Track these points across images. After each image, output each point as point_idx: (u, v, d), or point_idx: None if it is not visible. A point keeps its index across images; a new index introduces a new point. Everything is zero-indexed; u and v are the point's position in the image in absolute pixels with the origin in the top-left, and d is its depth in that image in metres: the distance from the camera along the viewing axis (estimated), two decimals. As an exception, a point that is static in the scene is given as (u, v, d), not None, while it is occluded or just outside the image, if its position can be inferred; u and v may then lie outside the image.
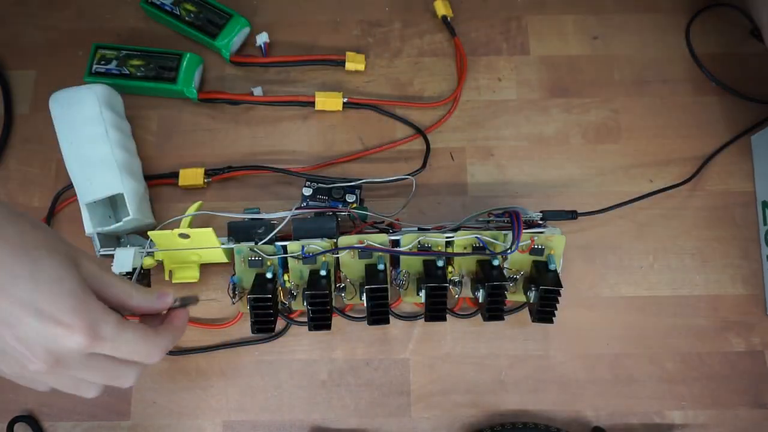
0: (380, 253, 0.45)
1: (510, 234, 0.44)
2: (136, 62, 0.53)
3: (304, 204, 0.49)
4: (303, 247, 0.44)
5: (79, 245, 0.49)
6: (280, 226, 0.45)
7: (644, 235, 0.51)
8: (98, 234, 0.47)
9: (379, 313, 0.44)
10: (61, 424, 0.47)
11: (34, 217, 0.34)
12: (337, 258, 0.46)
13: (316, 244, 0.44)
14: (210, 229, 0.44)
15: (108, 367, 0.34)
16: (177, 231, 0.44)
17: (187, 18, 0.55)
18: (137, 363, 0.35)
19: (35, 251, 0.31)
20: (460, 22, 0.57)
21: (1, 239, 0.30)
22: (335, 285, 0.46)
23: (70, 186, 0.50)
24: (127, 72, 0.53)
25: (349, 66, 0.55)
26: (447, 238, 0.45)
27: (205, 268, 0.50)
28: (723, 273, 0.50)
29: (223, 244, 0.46)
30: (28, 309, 0.30)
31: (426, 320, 0.44)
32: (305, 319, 0.48)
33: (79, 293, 0.32)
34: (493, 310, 0.44)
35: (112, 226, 0.47)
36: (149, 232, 0.45)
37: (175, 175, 0.52)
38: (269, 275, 0.44)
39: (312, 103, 0.54)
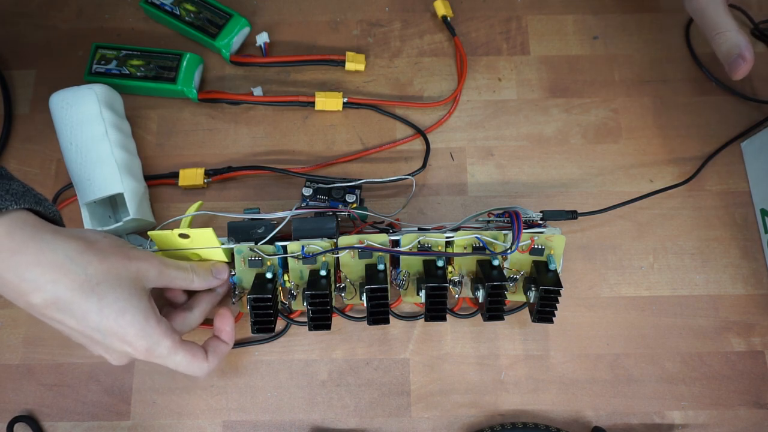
0: (380, 253, 0.45)
1: (510, 234, 0.44)
2: (136, 62, 0.53)
3: (304, 204, 0.49)
4: (303, 247, 0.44)
5: None
6: (280, 226, 0.45)
7: (644, 235, 0.51)
8: (98, 234, 0.47)
9: (379, 313, 0.44)
10: (61, 424, 0.47)
11: (101, 239, 0.38)
12: (337, 258, 0.46)
13: (316, 244, 0.44)
14: (210, 229, 0.44)
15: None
16: (177, 231, 0.44)
17: (187, 18, 0.55)
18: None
19: (99, 287, 0.36)
20: (460, 22, 0.57)
21: (68, 278, 0.35)
22: (335, 285, 0.46)
23: (70, 186, 0.50)
24: (127, 72, 0.53)
25: (349, 66, 0.55)
26: (447, 238, 0.45)
27: (205, 268, 0.50)
28: (723, 273, 0.50)
29: (223, 244, 0.46)
30: (101, 333, 0.37)
31: (426, 320, 0.44)
32: (305, 319, 0.48)
33: (141, 322, 0.38)
34: (493, 310, 0.44)
35: (112, 226, 0.47)
36: (149, 232, 0.44)
37: (175, 175, 0.52)
38: (269, 275, 0.44)
39: (312, 103, 0.54)
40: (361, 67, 0.55)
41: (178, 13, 0.55)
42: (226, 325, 0.45)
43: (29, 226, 0.36)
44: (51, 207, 0.39)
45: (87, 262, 0.36)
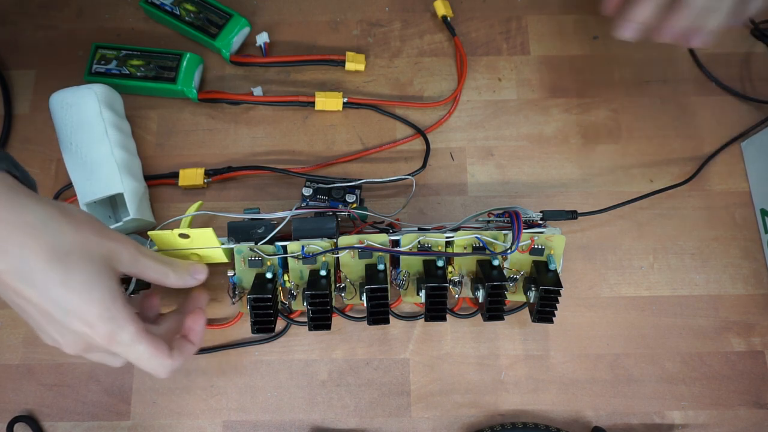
0: (380, 253, 0.45)
1: (510, 234, 0.44)
2: (136, 62, 0.53)
3: (304, 204, 0.49)
4: (303, 247, 0.44)
5: None
6: (280, 226, 0.45)
7: (644, 235, 0.51)
8: (98, 234, 0.47)
9: (379, 313, 0.44)
10: (61, 424, 0.47)
11: (77, 212, 0.36)
12: (337, 258, 0.46)
13: (316, 244, 0.44)
14: (210, 229, 0.44)
15: (124, 362, 0.39)
16: (177, 231, 0.44)
17: (187, 18, 0.55)
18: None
19: (68, 258, 0.33)
20: (460, 22, 0.57)
21: (37, 243, 0.33)
22: (335, 285, 0.46)
23: (70, 186, 0.50)
24: (127, 72, 0.53)
25: (349, 66, 0.55)
26: (447, 238, 0.45)
27: (205, 268, 0.50)
28: (723, 273, 0.50)
29: (223, 244, 0.46)
30: (62, 310, 0.34)
31: (426, 320, 0.44)
32: (305, 319, 0.48)
33: (107, 301, 0.35)
34: (493, 310, 0.44)
35: (112, 226, 0.47)
36: (149, 232, 0.44)
37: (175, 175, 0.52)
38: (269, 275, 0.44)
39: (312, 103, 0.54)
40: (361, 67, 0.55)
41: (178, 13, 0.55)
42: (197, 325, 0.42)
43: (5, 186, 0.34)
44: (28, 175, 0.37)
45: (60, 230, 0.34)
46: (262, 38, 0.56)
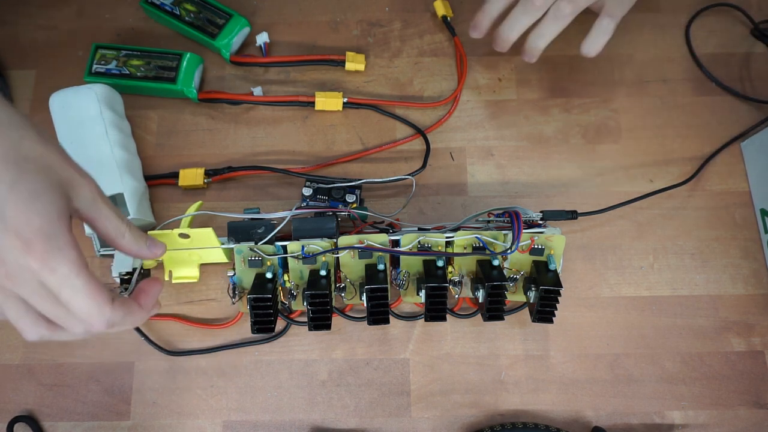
0: (380, 253, 0.45)
1: (510, 234, 0.44)
2: (136, 62, 0.53)
3: (304, 204, 0.49)
4: (303, 247, 0.44)
5: (79, 245, 0.50)
6: (280, 226, 0.45)
7: (644, 235, 0.51)
8: (98, 234, 0.47)
9: (379, 313, 0.44)
10: (61, 424, 0.47)
11: (53, 138, 0.33)
12: (337, 258, 0.46)
13: (316, 244, 0.44)
14: (210, 229, 0.44)
15: (53, 306, 0.32)
16: (177, 231, 0.44)
17: (187, 18, 0.55)
18: (81, 320, 0.33)
19: (25, 163, 0.30)
20: (460, 22, 0.57)
21: None
22: (335, 285, 0.46)
23: (70, 186, 0.50)
24: (127, 72, 0.53)
25: (349, 66, 0.55)
26: (447, 238, 0.45)
27: (205, 268, 0.50)
28: (723, 273, 0.50)
29: (223, 244, 0.46)
30: (1, 219, 0.30)
31: (426, 320, 0.44)
32: (305, 319, 0.48)
33: (52, 217, 0.31)
34: (493, 310, 0.44)
35: (112, 226, 0.47)
36: (149, 232, 0.44)
37: (175, 175, 0.52)
38: (269, 275, 0.44)
39: (312, 103, 0.54)
40: (361, 67, 0.55)
41: (178, 13, 0.55)
42: (151, 288, 0.39)
43: None
44: (8, 93, 0.34)
45: (26, 137, 0.31)
46: (262, 38, 0.56)
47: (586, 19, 0.58)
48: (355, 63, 0.55)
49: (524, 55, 0.51)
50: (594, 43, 0.49)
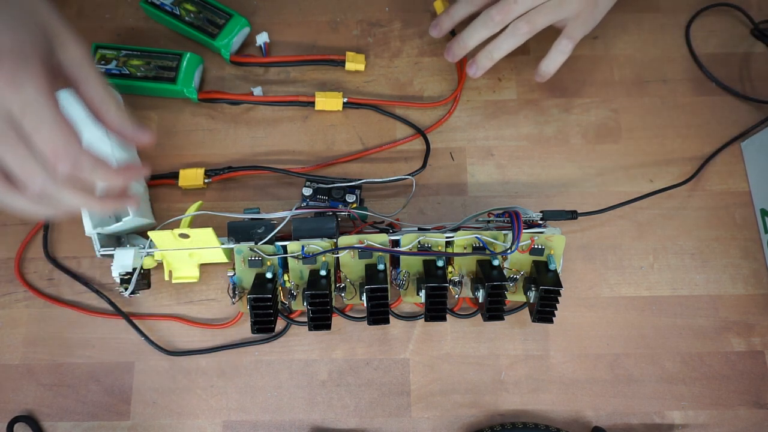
0: (380, 253, 0.45)
1: (510, 234, 0.44)
2: (136, 62, 0.53)
3: (304, 204, 0.49)
4: (303, 247, 0.44)
5: (79, 245, 0.51)
6: (280, 226, 0.45)
7: (644, 235, 0.51)
8: (98, 234, 0.47)
9: (379, 313, 0.44)
10: (61, 424, 0.47)
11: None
12: (337, 258, 0.46)
13: (316, 244, 0.44)
14: (210, 229, 0.44)
15: (14, 145, 0.29)
16: (177, 231, 0.44)
17: (187, 18, 0.55)
18: (44, 160, 0.30)
19: (8, 2, 0.29)
20: (460, 22, 0.57)
21: None
22: (335, 285, 0.46)
23: (70, 186, 0.50)
24: (127, 72, 0.53)
25: (349, 66, 0.55)
26: (447, 238, 0.45)
27: (205, 268, 0.50)
28: (723, 273, 0.50)
29: (223, 244, 0.46)
30: None
31: (426, 320, 0.44)
32: (305, 319, 0.48)
33: (25, 42, 0.29)
34: (493, 310, 0.44)
35: (112, 226, 0.47)
36: (149, 232, 0.45)
37: (175, 175, 0.52)
38: (269, 275, 0.44)
39: (312, 103, 0.53)
40: (361, 67, 0.55)
41: (178, 13, 0.55)
42: (135, 166, 0.36)
43: None
44: None
45: None
46: (262, 38, 0.56)
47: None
48: (355, 63, 0.55)
49: (471, 67, 0.51)
50: (551, 63, 0.50)
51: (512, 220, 0.44)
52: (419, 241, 0.45)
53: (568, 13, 0.48)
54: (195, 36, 0.55)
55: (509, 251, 0.43)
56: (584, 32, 0.50)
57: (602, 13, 0.51)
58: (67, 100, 0.48)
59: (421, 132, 0.54)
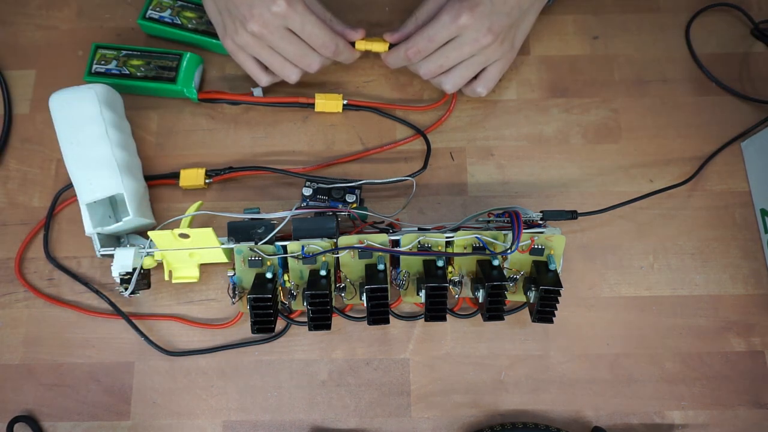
0: (380, 253, 0.45)
1: (510, 234, 0.44)
2: (136, 62, 0.53)
3: (304, 204, 0.49)
4: (303, 247, 0.44)
5: (79, 245, 0.51)
6: (280, 226, 0.45)
7: (644, 235, 0.51)
8: (98, 234, 0.47)
9: (379, 313, 0.44)
10: (61, 424, 0.47)
11: None
12: (337, 258, 0.46)
13: (316, 244, 0.44)
14: (210, 229, 0.44)
15: (298, 44, 0.46)
16: (177, 231, 0.44)
17: (189, 25, 0.54)
18: (317, 53, 0.47)
19: None
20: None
21: None
22: (335, 285, 0.46)
23: (70, 186, 0.50)
24: (127, 72, 0.53)
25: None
26: (447, 238, 0.45)
27: (205, 268, 0.50)
28: (723, 273, 0.50)
29: (223, 244, 0.46)
30: None
31: (426, 320, 0.44)
32: (305, 319, 0.48)
33: None
34: (493, 310, 0.44)
35: (112, 226, 0.47)
36: (149, 232, 0.45)
37: (176, 175, 0.52)
38: (269, 275, 0.44)
39: (312, 105, 0.53)
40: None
41: (179, 22, 0.54)
42: (357, 28, 0.50)
43: None
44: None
45: None
46: (262, 38, 0.55)
47: (585, 20, 0.58)
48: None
49: (389, 57, 0.51)
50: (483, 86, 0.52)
51: (512, 220, 0.44)
52: (419, 241, 0.45)
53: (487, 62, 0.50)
54: (199, 41, 0.55)
55: (509, 251, 0.43)
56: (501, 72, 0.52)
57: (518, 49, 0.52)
58: (61, 101, 0.48)
59: (421, 133, 0.53)
